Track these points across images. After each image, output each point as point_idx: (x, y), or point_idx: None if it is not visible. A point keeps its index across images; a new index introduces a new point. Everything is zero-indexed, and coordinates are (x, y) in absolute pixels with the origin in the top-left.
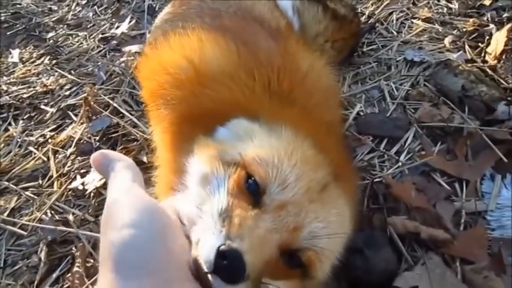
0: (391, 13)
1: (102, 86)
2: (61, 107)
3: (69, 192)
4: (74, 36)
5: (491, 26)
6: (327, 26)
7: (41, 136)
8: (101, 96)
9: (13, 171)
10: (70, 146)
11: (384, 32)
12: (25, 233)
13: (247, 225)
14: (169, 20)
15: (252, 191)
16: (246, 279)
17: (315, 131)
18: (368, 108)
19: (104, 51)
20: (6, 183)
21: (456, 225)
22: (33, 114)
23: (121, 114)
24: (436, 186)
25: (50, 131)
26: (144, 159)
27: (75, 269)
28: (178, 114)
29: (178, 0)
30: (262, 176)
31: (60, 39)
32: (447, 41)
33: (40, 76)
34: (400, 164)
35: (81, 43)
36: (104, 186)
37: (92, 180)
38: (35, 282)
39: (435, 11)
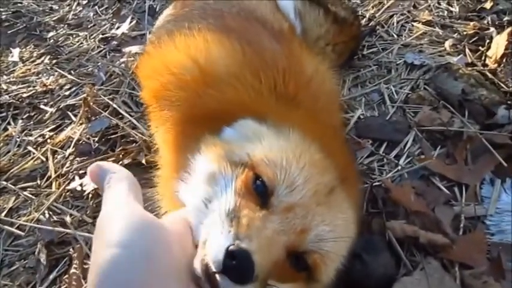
0: (391, 16)
1: (102, 87)
2: (60, 107)
3: (68, 193)
4: (74, 36)
5: (492, 29)
6: (328, 29)
7: (40, 136)
8: (100, 96)
9: (11, 171)
10: (69, 147)
11: (384, 35)
12: (23, 234)
13: (256, 226)
14: (172, 21)
15: (260, 192)
16: (255, 279)
17: (321, 134)
18: (368, 111)
19: (104, 51)
20: (5, 183)
21: (455, 229)
22: (32, 114)
23: (120, 115)
24: (436, 191)
25: (49, 131)
26: (143, 161)
27: (72, 270)
28: (182, 114)
29: (180, 1)
30: (271, 178)
31: (60, 39)
32: (447, 44)
33: (40, 76)
34: (399, 167)
35: (82, 43)
36: None
37: (90, 182)
38: (32, 283)
39: (436, 14)
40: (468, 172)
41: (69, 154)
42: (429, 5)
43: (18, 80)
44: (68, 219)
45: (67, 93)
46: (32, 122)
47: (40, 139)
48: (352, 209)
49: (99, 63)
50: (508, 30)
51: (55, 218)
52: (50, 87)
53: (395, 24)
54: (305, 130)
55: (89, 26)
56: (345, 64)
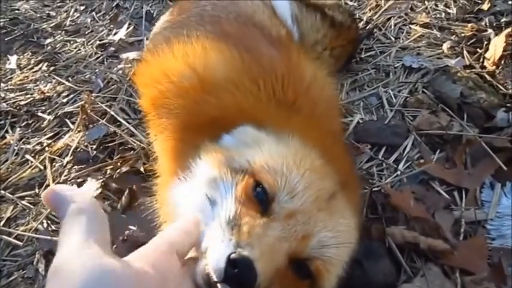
0: (389, 19)
1: (100, 94)
2: (58, 114)
3: None
4: (71, 42)
5: (490, 31)
6: (326, 34)
7: (38, 144)
8: (98, 104)
9: (9, 179)
10: (67, 155)
11: (382, 38)
12: (21, 243)
13: (257, 233)
14: (169, 28)
15: (261, 199)
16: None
17: (321, 140)
18: (366, 115)
19: (101, 58)
20: (3, 192)
21: (456, 234)
22: (30, 122)
23: (118, 123)
24: (435, 195)
25: (47, 138)
26: (142, 168)
27: None
28: (181, 122)
29: (177, 8)
30: (271, 184)
31: (58, 46)
32: (445, 46)
33: (38, 83)
34: (398, 172)
35: (79, 49)
36: (101, 195)
37: (88, 190)
38: None
39: (433, 16)
40: (468, 176)
41: (67, 162)
42: (426, 7)
43: (15, 88)
44: None
45: (65, 100)
46: (29, 130)
47: (38, 147)
48: (353, 214)
49: (97, 70)
50: (505, 31)
51: (53, 227)
52: (48, 94)
53: (392, 27)
54: (305, 136)
55: (87, 32)
56: (343, 68)
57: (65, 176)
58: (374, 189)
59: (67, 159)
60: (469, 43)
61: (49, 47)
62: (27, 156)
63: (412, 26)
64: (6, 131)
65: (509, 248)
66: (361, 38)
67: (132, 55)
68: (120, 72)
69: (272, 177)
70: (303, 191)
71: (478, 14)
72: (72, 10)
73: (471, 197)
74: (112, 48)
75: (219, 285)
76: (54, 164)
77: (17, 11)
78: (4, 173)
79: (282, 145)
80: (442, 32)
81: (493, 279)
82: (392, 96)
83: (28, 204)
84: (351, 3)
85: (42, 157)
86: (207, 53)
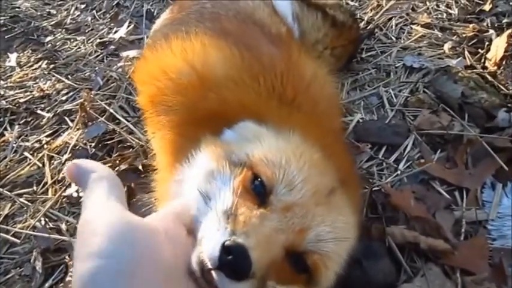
0: (390, 19)
1: (99, 92)
2: (57, 112)
3: (64, 200)
4: (72, 40)
5: (491, 31)
6: (327, 33)
7: (36, 141)
8: (97, 101)
9: (8, 177)
10: (65, 152)
11: (383, 38)
12: (18, 241)
13: (253, 223)
14: (168, 24)
15: (258, 191)
16: (252, 276)
17: (322, 137)
18: (367, 115)
19: (101, 56)
20: (1, 189)
21: (456, 235)
22: (29, 119)
23: (117, 121)
24: (436, 195)
25: (46, 136)
26: (140, 166)
27: (68, 278)
28: (180, 118)
29: (177, 5)
30: (269, 177)
31: (58, 44)
32: (447, 47)
33: (37, 80)
34: (399, 172)
35: (79, 47)
36: None
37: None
38: None
39: (434, 16)
40: (469, 176)
41: (66, 160)
42: (428, 8)
43: (15, 85)
44: (63, 226)
45: (64, 98)
46: (28, 128)
47: (37, 145)
48: (353, 212)
49: (97, 68)
50: (507, 32)
51: (51, 224)
52: (47, 92)
53: (394, 27)
54: (305, 133)
55: (87, 31)
56: (344, 67)
57: (63, 173)
58: (374, 188)
59: (66, 156)
60: (470, 44)
61: (49, 45)
62: (26, 154)
63: (413, 26)
64: (5, 129)
65: (510, 248)
66: (362, 38)
67: (132, 53)
68: (120, 70)
69: (270, 170)
70: (302, 184)
71: (480, 15)
72: (73, 8)
73: (472, 197)
74: (112, 47)
75: (213, 272)
76: (52, 161)
77: (17, 9)
78: (2, 170)
79: (282, 140)
80: (443, 33)
81: (493, 280)
82: (393, 95)
83: (26, 202)
84: (352, 3)
85: (40, 154)
86: (206, 49)
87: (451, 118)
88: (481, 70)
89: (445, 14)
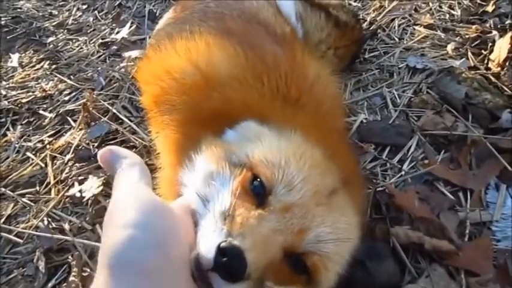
0: (393, 19)
1: (102, 92)
2: (60, 112)
3: (67, 200)
4: (74, 41)
5: (494, 32)
6: (330, 33)
7: (39, 142)
8: (100, 101)
9: (10, 177)
10: (68, 152)
11: (386, 39)
12: (21, 241)
13: (250, 224)
14: (171, 24)
15: (257, 192)
16: (247, 278)
17: (325, 137)
18: (370, 115)
19: (103, 56)
20: (3, 189)
21: (461, 235)
22: (31, 120)
23: (120, 121)
24: (440, 196)
25: (49, 136)
26: None
27: (71, 278)
28: (184, 117)
29: (181, 5)
30: (269, 177)
31: (60, 44)
32: (450, 47)
33: (39, 81)
34: (403, 172)
35: (81, 48)
36: (102, 193)
37: (90, 188)
38: None
39: (437, 17)
40: (473, 177)
41: (69, 160)
42: (431, 9)
43: (17, 86)
44: (66, 226)
45: (66, 98)
46: (31, 128)
47: (39, 145)
48: (356, 212)
49: (99, 68)
50: (510, 33)
51: (54, 224)
52: (49, 92)
53: (396, 27)
54: (308, 133)
55: (89, 31)
56: (347, 68)
57: (66, 173)
58: (378, 189)
59: (68, 156)
60: (473, 44)
61: (51, 46)
62: (28, 154)
63: (416, 27)
64: (8, 129)
65: None
66: (365, 38)
67: (134, 54)
68: (123, 70)
69: (270, 170)
70: (301, 185)
71: (483, 16)
72: (75, 9)
73: (476, 198)
74: (114, 47)
75: (209, 273)
76: (55, 161)
77: (19, 10)
78: (5, 170)
79: (283, 140)
80: (446, 33)
81: (498, 281)
82: (397, 96)
83: (29, 202)
84: (354, 3)
85: (43, 155)
86: (210, 49)
87: (455, 119)
88: (485, 71)
89: (447, 15)
